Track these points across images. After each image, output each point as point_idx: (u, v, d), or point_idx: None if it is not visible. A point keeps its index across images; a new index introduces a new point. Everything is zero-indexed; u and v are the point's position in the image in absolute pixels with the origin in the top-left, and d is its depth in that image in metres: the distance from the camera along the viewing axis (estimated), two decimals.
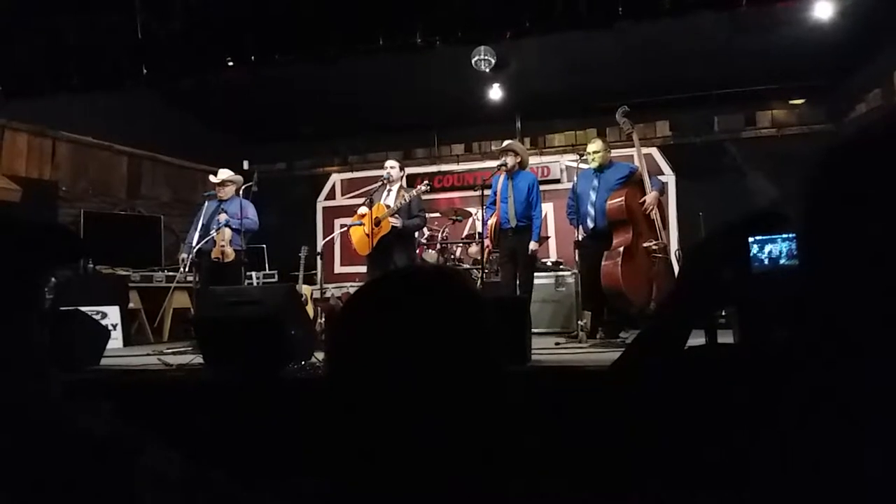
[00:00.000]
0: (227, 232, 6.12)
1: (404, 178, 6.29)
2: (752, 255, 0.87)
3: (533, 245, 5.80)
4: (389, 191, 6.02)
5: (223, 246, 6.08)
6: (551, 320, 6.78)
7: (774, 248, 0.86)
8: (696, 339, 0.97)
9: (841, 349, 0.69)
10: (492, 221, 5.85)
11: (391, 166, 6.10)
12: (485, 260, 6.10)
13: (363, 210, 5.93)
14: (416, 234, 6.44)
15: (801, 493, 0.68)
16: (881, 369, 0.67)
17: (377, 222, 5.74)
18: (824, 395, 0.70)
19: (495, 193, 5.86)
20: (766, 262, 0.87)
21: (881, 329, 0.67)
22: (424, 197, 6.18)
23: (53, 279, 5.87)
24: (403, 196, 5.88)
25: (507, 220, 5.78)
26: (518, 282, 5.77)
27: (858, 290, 0.69)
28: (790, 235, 0.85)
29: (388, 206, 5.83)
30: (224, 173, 6.51)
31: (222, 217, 6.15)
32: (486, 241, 6.01)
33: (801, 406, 0.71)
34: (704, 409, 0.79)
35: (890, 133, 0.71)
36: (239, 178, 6.53)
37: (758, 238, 0.87)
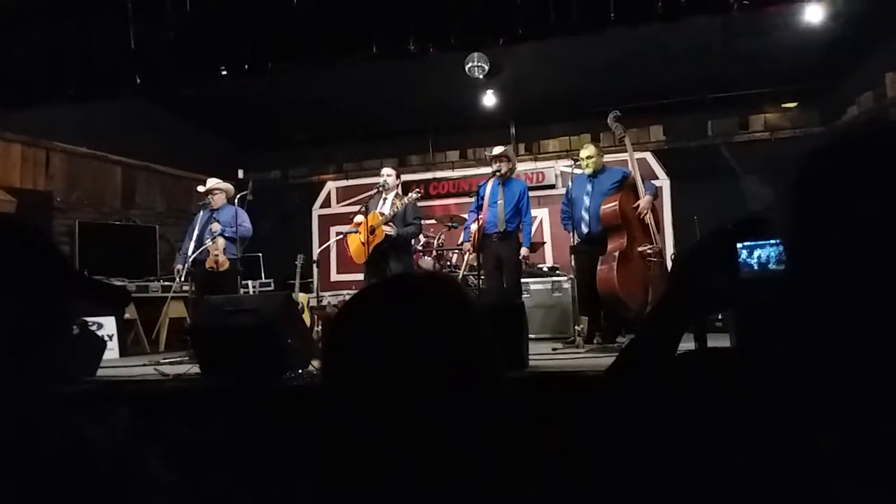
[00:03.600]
0: (221, 241, 6.11)
1: (400, 186, 6.29)
2: (741, 259, 0.87)
3: (524, 251, 5.80)
4: (385, 199, 6.02)
5: (217, 255, 6.07)
6: (548, 325, 6.77)
7: (764, 253, 0.87)
8: (687, 344, 0.98)
9: (829, 351, 0.70)
10: (474, 227, 5.82)
11: (387, 174, 6.09)
12: (465, 264, 6.09)
13: (359, 218, 5.92)
14: (413, 241, 6.43)
15: (791, 495, 0.69)
16: (870, 370, 0.67)
17: (372, 230, 5.73)
18: (815, 399, 0.70)
19: (481, 199, 5.82)
20: (756, 266, 0.87)
21: (869, 330, 0.68)
22: (420, 204, 6.17)
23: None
24: (397, 204, 5.88)
25: (495, 224, 5.74)
26: (505, 288, 5.72)
27: (843, 290, 0.70)
28: (779, 240, 0.86)
29: (382, 215, 5.83)
30: (211, 182, 6.49)
31: (215, 227, 6.14)
32: (467, 245, 6.02)
33: (793, 410, 0.71)
34: (696, 413, 0.80)
35: (871, 136, 0.72)
36: (228, 185, 6.50)
37: (747, 243, 0.87)
